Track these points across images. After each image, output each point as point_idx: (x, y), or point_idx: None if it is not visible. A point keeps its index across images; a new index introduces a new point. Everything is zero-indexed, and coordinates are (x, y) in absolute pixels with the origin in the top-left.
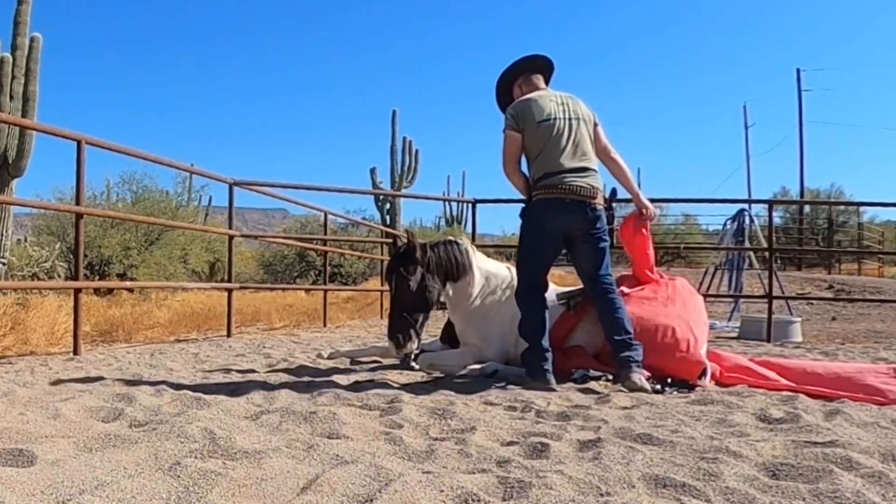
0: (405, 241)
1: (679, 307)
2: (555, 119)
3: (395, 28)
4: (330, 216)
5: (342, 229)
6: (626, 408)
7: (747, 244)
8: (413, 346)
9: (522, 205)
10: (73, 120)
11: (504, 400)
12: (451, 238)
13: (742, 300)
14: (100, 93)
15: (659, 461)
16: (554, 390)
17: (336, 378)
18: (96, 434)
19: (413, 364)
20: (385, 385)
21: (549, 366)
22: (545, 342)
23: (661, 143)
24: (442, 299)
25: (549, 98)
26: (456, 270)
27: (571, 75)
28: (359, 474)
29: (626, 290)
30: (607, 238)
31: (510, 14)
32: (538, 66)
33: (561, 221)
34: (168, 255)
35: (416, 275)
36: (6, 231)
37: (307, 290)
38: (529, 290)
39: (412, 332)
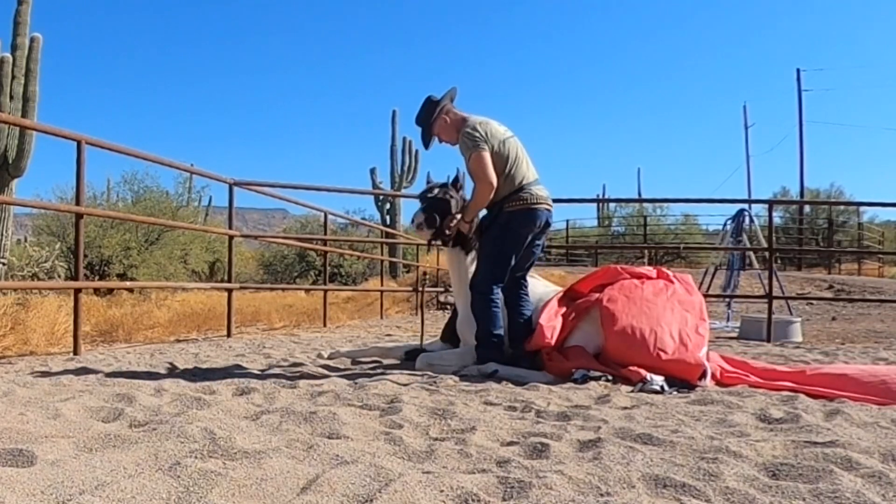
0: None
1: (669, 309)
2: (512, 136)
3: (396, 28)
4: (330, 216)
5: (342, 229)
6: (626, 408)
7: (746, 244)
8: (430, 232)
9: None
10: (73, 120)
11: (504, 400)
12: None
13: (734, 300)
14: (100, 93)
15: (659, 461)
16: (495, 375)
17: (336, 378)
18: (96, 434)
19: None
20: (385, 385)
21: (499, 363)
22: (501, 333)
23: (661, 143)
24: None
25: (491, 119)
26: (468, 236)
27: (571, 76)
28: (359, 474)
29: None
30: None
31: (510, 15)
32: (454, 96)
33: (534, 227)
34: (168, 255)
35: (455, 199)
36: (6, 231)
37: (307, 290)
38: (493, 287)
39: (438, 224)
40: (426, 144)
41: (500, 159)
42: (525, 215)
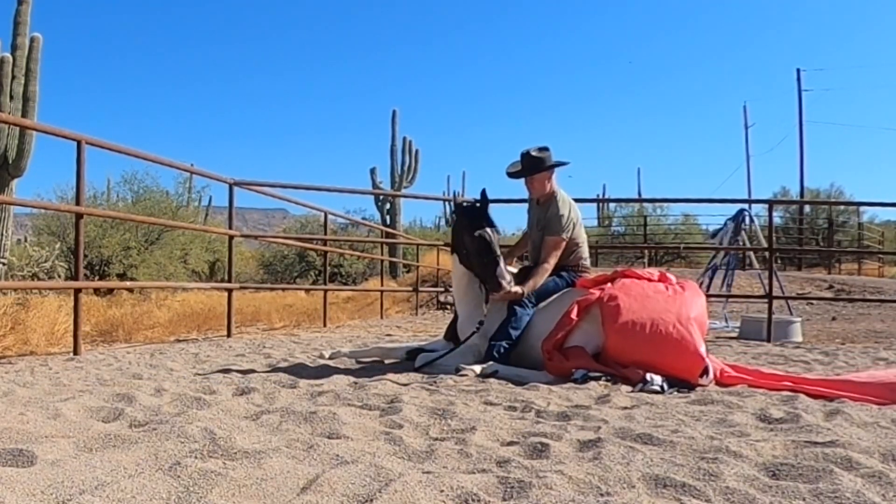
0: (483, 197)
1: (679, 305)
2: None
3: (396, 28)
4: (330, 216)
5: (342, 229)
6: (626, 408)
7: (746, 243)
8: (514, 287)
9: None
10: (73, 120)
11: (504, 400)
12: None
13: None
14: (100, 93)
15: (659, 461)
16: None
17: (336, 378)
18: (96, 434)
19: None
20: (385, 385)
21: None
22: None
23: (661, 143)
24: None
25: (572, 200)
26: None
27: (571, 76)
28: (359, 474)
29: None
30: None
31: (510, 15)
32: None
33: None
34: (168, 255)
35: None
36: (6, 231)
37: (307, 290)
38: (530, 305)
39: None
40: (516, 175)
41: (574, 239)
42: (577, 275)
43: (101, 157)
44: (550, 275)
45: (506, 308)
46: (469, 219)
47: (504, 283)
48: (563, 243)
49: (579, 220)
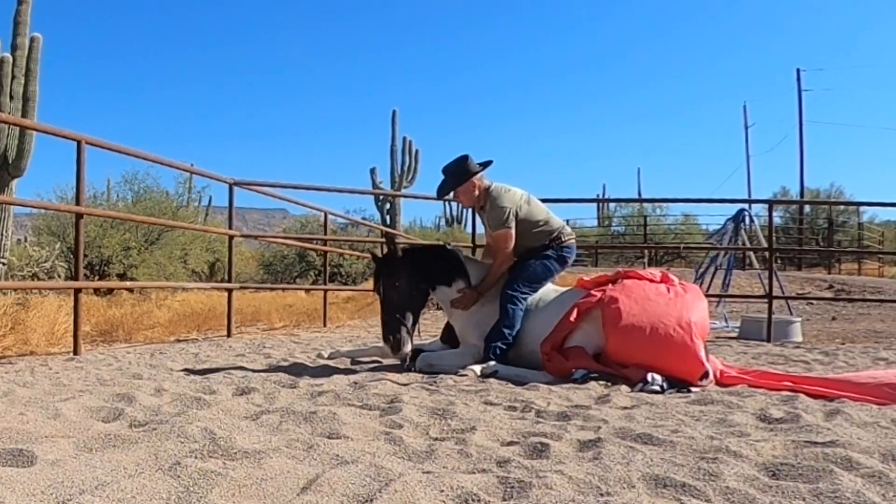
0: (387, 246)
1: (680, 308)
2: (528, 195)
3: (396, 28)
4: (330, 216)
5: (342, 229)
6: (626, 408)
7: (746, 243)
8: (407, 348)
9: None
10: (73, 120)
11: (504, 400)
12: (441, 243)
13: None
14: (100, 93)
15: (659, 461)
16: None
17: (336, 378)
18: (96, 434)
19: (411, 367)
20: (385, 385)
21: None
22: (514, 334)
23: (661, 143)
24: (435, 301)
25: (509, 186)
26: (446, 274)
27: (571, 76)
28: (359, 474)
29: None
30: None
31: (510, 15)
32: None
33: (573, 257)
34: (168, 255)
35: (402, 277)
36: (6, 231)
37: (307, 290)
38: (526, 296)
39: (405, 333)
40: (441, 194)
41: (533, 215)
42: (570, 248)
43: (101, 157)
44: (534, 258)
45: (499, 308)
46: (378, 271)
47: (391, 351)
48: (510, 232)
49: (528, 200)
